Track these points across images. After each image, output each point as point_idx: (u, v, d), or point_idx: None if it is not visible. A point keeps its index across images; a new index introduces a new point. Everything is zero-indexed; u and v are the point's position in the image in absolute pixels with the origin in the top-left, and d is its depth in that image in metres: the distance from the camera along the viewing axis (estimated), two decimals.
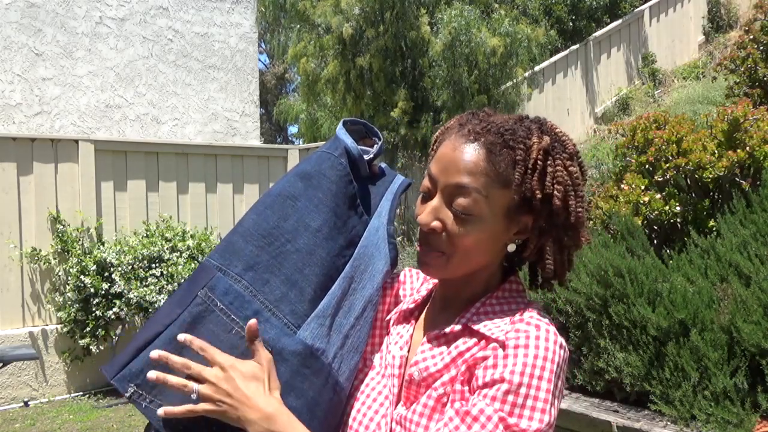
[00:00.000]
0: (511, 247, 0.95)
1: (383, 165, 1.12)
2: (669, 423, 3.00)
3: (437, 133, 1.02)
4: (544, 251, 0.96)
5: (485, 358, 0.87)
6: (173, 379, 0.87)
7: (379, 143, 1.10)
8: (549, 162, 0.90)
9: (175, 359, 0.88)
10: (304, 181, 1.02)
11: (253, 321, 0.91)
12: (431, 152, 1.01)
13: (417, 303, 1.03)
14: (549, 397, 0.83)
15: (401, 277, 1.11)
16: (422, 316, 1.03)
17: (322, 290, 0.98)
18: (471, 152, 0.90)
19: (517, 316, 0.91)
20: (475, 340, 0.91)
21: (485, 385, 0.84)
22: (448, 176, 0.90)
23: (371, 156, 1.09)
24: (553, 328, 0.88)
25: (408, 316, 1.02)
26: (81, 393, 5.43)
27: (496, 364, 0.85)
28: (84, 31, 7.90)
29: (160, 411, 0.88)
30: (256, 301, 0.95)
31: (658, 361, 3.12)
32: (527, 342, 0.85)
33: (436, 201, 0.92)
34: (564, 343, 0.88)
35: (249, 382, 0.86)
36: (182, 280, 5.20)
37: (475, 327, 0.91)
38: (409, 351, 0.98)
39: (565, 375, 0.93)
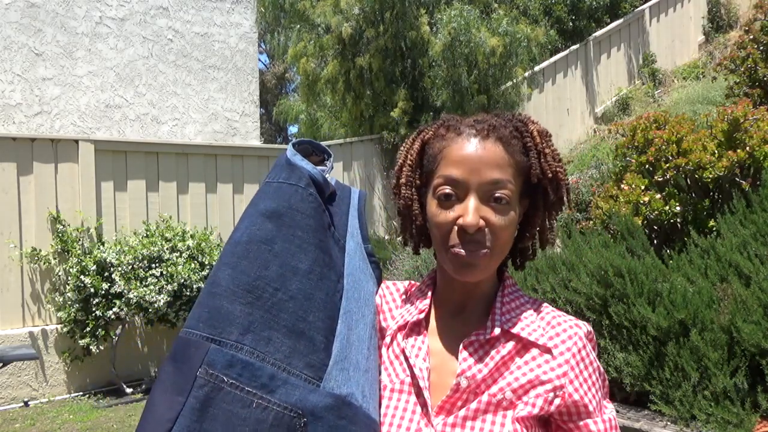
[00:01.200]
0: (514, 234, 1.02)
1: (334, 180, 1.05)
2: (669, 423, 3.00)
3: (414, 152, 1.02)
4: (544, 226, 1.05)
5: (538, 365, 0.94)
6: None
7: (330, 159, 1.05)
8: (546, 144, 0.99)
9: None
10: (275, 220, 0.94)
11: None
12: (411, 159, 1.02)
13: (424, 313, 1.02)
14: (602, 385, 0.98)
15: (380, 292, 1.09)
16: (430, 324, 1.03)
17: (331, 333, 0.92)
18: (493, 148, 0.95)
19: (545, 317, 1.00)
20: (512, 343, 0.96)
21: (580, 414, 0.94)
22: (481, 174, 0.94)
23: (328, 175, 1.03)
24: (576, 321, 0.99)
25: (416, 327, 1.01)
26: (81, 393, 5.43)
27: (571, 391, 0.94)
28: (84, 31, 7.90)
29: None
30: (267, 365, 0.86)
31: (658, 361, 3.12)
32: (572, 347, 0.96)
33: (473, 201, 0.94)
34: (590, 328, 1.00)
35: None
36: (182, 282, 5.20)
37: (514, 331, 0.96)
38: (430, 361, 0.98)
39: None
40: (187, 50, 8.77)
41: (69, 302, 5.28)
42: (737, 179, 4.04)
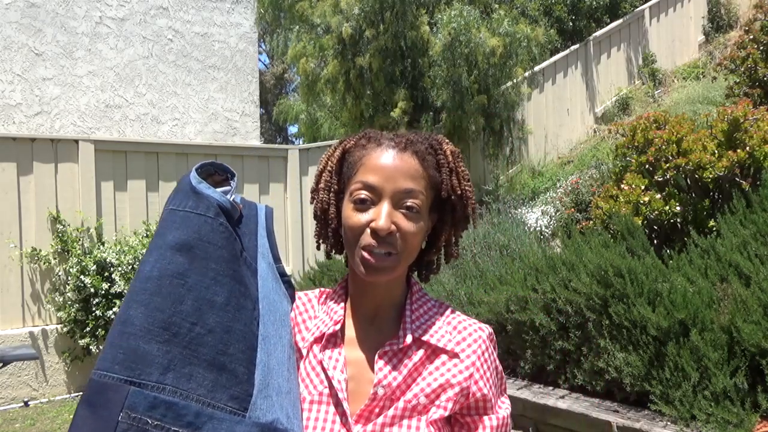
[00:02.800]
0: (423, 244, 1.09)
1: (239, 198, 1.03)
2: (669, 423, 3.00)
3: (334, 160, 1.08)
4: (450, 241, 1.13)
5: (447, 370, 1.01)
6: None
7: (234, 179, 1.03)
8: (457, 164, 1.07)
9: None
10: (185, 253, 0.91)
11: None
12: (331, 165, 1.08)
13: (339, 324, 1.06)
14: (501, 382, 1.08)
15: (299, 303, 1.12)
16: (346, 334, 1.07)
17: (252, 363, 0.91)
18: (409, 160, 1.03)
19: (452, 321, 1.07)
20: (423, 350, 1.03)
21: (478, 409, 1.03)
22: (396, 183, 1.00)
23: (233, 197, 1.00)
24: (479, 325, 1.08)
25: (332, 338, 1.04)
26: (81, 393, 5.42)
27: (475, 390, 1.02)
28: (84, 31, 7.90)
29: None
30: (191, 402, 0.85)
31: (658, 361, 3.12)
32: (477, 350, 1.04)
33: (386, 207, 1.00)
34: (491, 330, 1.09)
35: None
36: None
37: (424, 338, 1.03)
38: (346, 371, 1.02)
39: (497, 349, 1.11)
40: (187, 50, 8.77)
41: (69, 302, 5.29)
42: (737, 179, 4.04)
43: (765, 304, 2.95)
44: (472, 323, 1.07)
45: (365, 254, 1.00)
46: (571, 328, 3.52)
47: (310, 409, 1.00)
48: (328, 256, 1.15)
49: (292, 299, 1.08)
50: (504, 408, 1.06)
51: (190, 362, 0.87)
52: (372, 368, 1.01)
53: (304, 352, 1.05)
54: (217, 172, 1.02)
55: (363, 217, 1.00)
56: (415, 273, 1.16)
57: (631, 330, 3.23)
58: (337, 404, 0.99)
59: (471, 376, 1.02)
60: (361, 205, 1.01)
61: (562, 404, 3.42)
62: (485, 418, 1.02)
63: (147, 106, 8.39)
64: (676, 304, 3.12)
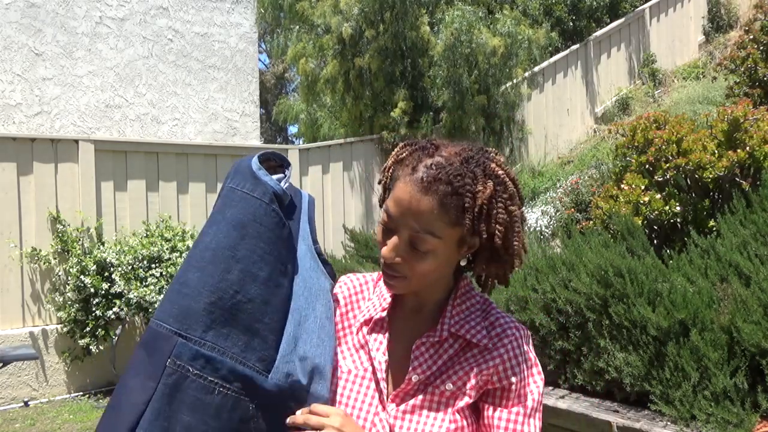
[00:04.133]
0: (463, 262, 1.14)
1: (288, 183, 1.15)
2: (669, 423, 3.00)
3: (390, 162, 1.12)
4: (490, 273, 1.14)
5: (476, 362, 1.07)
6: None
7: (289, 169, 1.16)
8: (492, 205, 1.04)
9: (313, 421, 1.00)
10: (240, 230, 1.05)
11: (313, 407, 1.02)
12: (384, 179, 1.12)
13: (386, 311, 1.14)
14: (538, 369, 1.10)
15: (342, 286, 1.22)
16: (392, 321, 1.15)
17: (281, 333, 1.05)
18: (426, 203, 1.02)
19: (490, 318, 1.12)
20: (459, 344, 1.09)
21: (503, 398, 1.07)
22: (407, 221, 1.03)
23: (285, 184, 1.13)
24: (516, 324, 1.11)
25: (380, 323, 1.14)
26: (81, 393, 5.43)
27: (500, 377, 1.07)
28: (84, 31, 7.90)
29: (289, 420, 1.01)
30: (226, 359, 0.99)
31: (658, 361, 3.12)
32: (508, 345, 1.08)
33: (396, 239, 1.05)
34: (526, 329, 1.12)
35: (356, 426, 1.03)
36: None
37: (460, 333, 1.09)
38: (388, 355, 1.11)
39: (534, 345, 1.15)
40: (187, 50, 8.77)
41: (69, 302, 5.28)
42: (737, 179, 4.04)
43: (765, 304, 2.95)
44: (509, 321, 1.12)
45: (383, 267, 1.08)
46: (571, 328, 3.52)
47: (354, 381, 1.10)
48: None
49: (333, 276, 1.16)
50: (531, 399, 1.07)
51: (229, 324, 1.01)
52: (410, 357, 1.09)
53: (354, 330, 1.16)
54: (273, 159, 1.15)
55: (381, 237, 1.08)
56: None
57: (631, 330, 3.23)
58: (377, 383, 1.09)
59: (497, 366, 1.06)
60: (383, 226, 1.08)
61: (562, 404, 3.42)
62: (508, 409, 1.06)
63: (147, 106, 8.39)
64: (676, 304, 3.12)
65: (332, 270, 1.17)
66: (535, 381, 1.08)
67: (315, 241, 1.16)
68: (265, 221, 1.06)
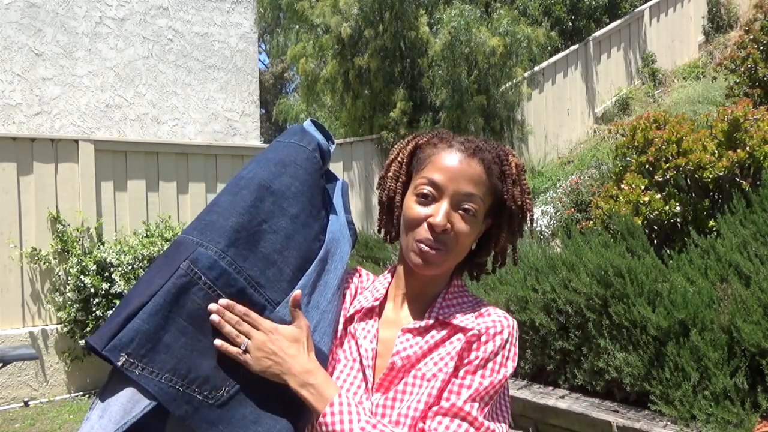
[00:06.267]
0: (474, 245, 1.17)
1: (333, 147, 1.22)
2: (669, 423, 3.00)
3: (411, 147, 1.17)
4: (504, 248, 1.20)
5: (469, 345, 1.07)
6: (228, 328, 1.00)
7: (333, 144, 1.21)
8: (520, 176, 1.15)
9: (239, 309, 1.01)
10: (279, 168, 1.09)
11: (298, 292, 1.03)
12: (402, 157, 1.16)
13: (378, 301, 1.16)
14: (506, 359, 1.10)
15: (356, 276, 1.24)
16: (384, 313, 1.17)
17: (300, 271, 1.07)
18: (475, 166, 1.09)
19: (479, 309, 1.13)
20: (445, 331, 1.10)
21: (470, 365, 1.06)
22: (459, 185, 1.08)
23: (331, 154, 1.19)
24: (505, 315, 1.12)
25: (370, 313, 1.15)
26: (81, 393, 5.43)
27: (472, 351, 1.07)
28: (84, 31, 7.90)
29: (217, 342, 0.98)
30: (241, 279, 1.01)
31: (658, 361, 3.12)
32: (491, 327, 1.08)
33: (445, 205, 1.08)
34: (514, 322, 1.13)
35: (291, 344, 1.02)
36: None
37: (447, 320, 1.11)
38: (377, 344, 1.12)
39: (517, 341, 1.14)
40: (187, 50, 8.77)
41: (69, 302, 5.28)
42: (737, 179, 4.04)
43: (765, 304, 2.95)
44: (499, 313, 1.13)
45: (419, 246, 1.08)
46: (571, 328, 3.52)
47: (342, 370, 1.11)
48: (389, 240, 1.24)
49: (353, 245, 1.20)
50: (481, 380, 1.04)
51: (251, 248, 1.03)
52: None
53: (347, 321, 1.17)
54: (321, 133, 1.19)
55: (423, 211, 1.09)
56: (467, 272, 1.24)
57: (631, 330, 3.23)
58: (364, 371, 1.09)
59: (473, 343, 1.07)
60: (423, 200, 1.09)
61: (562, 404, 3.42)
62: (471, 376, 1.04)
63: (147, 106, 8.39)
64: (676, 304, 3.12)
65: (356, 239, 1.20)
66: (496, 369, 1.05)
67: (348, 211, 1.20)
68: (305, 164, 1.11)
